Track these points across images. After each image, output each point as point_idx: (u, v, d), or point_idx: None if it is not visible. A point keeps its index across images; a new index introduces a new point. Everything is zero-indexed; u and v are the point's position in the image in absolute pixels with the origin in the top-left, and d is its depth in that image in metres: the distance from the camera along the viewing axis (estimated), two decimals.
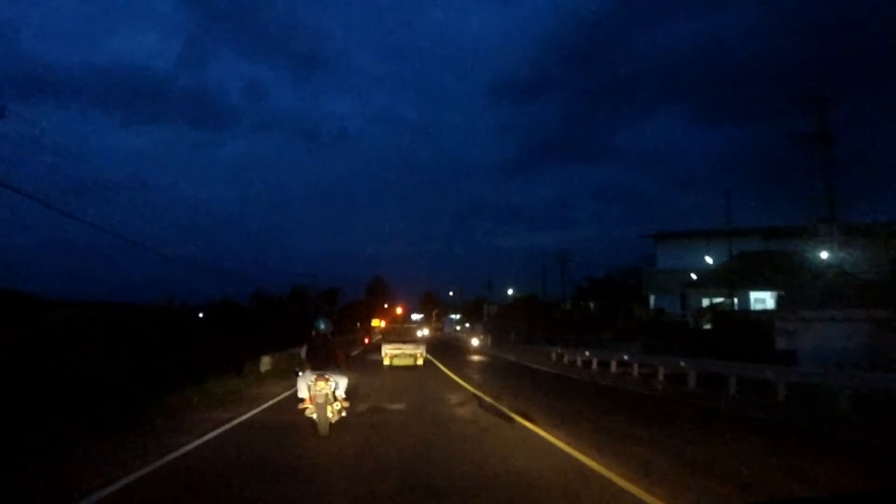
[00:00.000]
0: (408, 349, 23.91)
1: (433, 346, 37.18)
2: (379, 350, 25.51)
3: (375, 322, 70.84)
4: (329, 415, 8.51)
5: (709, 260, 37.25)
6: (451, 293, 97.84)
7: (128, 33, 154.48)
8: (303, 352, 9.35)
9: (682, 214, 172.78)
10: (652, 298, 43.00)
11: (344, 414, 9.17)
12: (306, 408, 8.71)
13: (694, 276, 37.68)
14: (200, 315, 48.91)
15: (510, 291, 76.18)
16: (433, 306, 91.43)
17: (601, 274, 58.15)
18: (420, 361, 23.74)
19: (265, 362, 20.56)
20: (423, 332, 62.75)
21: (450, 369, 23.26)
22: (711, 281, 35.67)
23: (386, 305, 78.05)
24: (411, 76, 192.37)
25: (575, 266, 56.96)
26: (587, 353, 26.00)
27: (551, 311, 54.96)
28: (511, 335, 50.05)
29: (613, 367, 22.59)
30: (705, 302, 35.54)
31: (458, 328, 74.75)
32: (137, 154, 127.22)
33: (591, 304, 54.12)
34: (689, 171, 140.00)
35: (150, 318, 33.22)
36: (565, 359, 28.13)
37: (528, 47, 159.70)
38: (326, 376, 8.50)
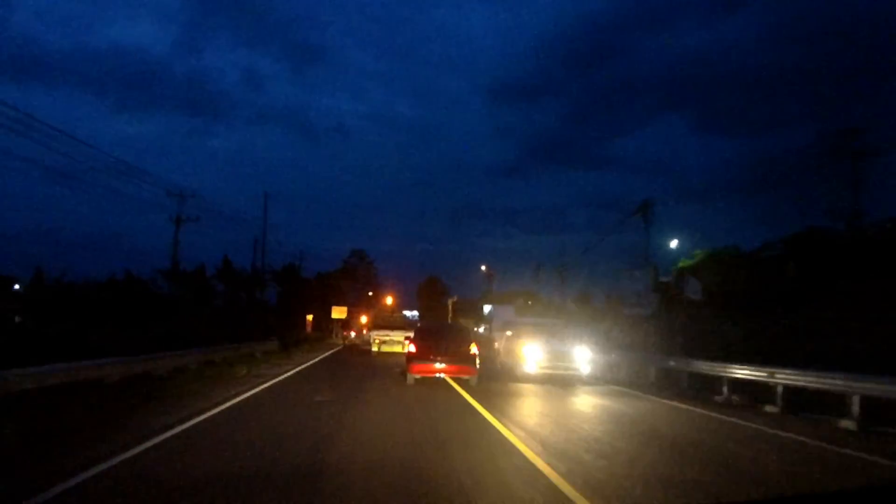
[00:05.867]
0: (395, 335, 27.92)
1: None
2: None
3: (336, 312, 49.93)
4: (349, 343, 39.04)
5: None
6: (482, 267, 63.16)
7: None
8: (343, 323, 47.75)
9: None
10: None
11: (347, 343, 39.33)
12: (345, 341, 41.10)
13: None
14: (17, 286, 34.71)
15: (673, 243, 33.60)
16: (442, 296, 70.33)
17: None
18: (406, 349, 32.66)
19: None
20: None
21: None
22: None
23: (370, 293, 60.23)
24: (409, 74, 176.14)
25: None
26: None
27: None
28: None
29: None
30: None
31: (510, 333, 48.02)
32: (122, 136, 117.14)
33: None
34: None
35: None
36: None
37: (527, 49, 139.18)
38: (352, 332, 41.49)
